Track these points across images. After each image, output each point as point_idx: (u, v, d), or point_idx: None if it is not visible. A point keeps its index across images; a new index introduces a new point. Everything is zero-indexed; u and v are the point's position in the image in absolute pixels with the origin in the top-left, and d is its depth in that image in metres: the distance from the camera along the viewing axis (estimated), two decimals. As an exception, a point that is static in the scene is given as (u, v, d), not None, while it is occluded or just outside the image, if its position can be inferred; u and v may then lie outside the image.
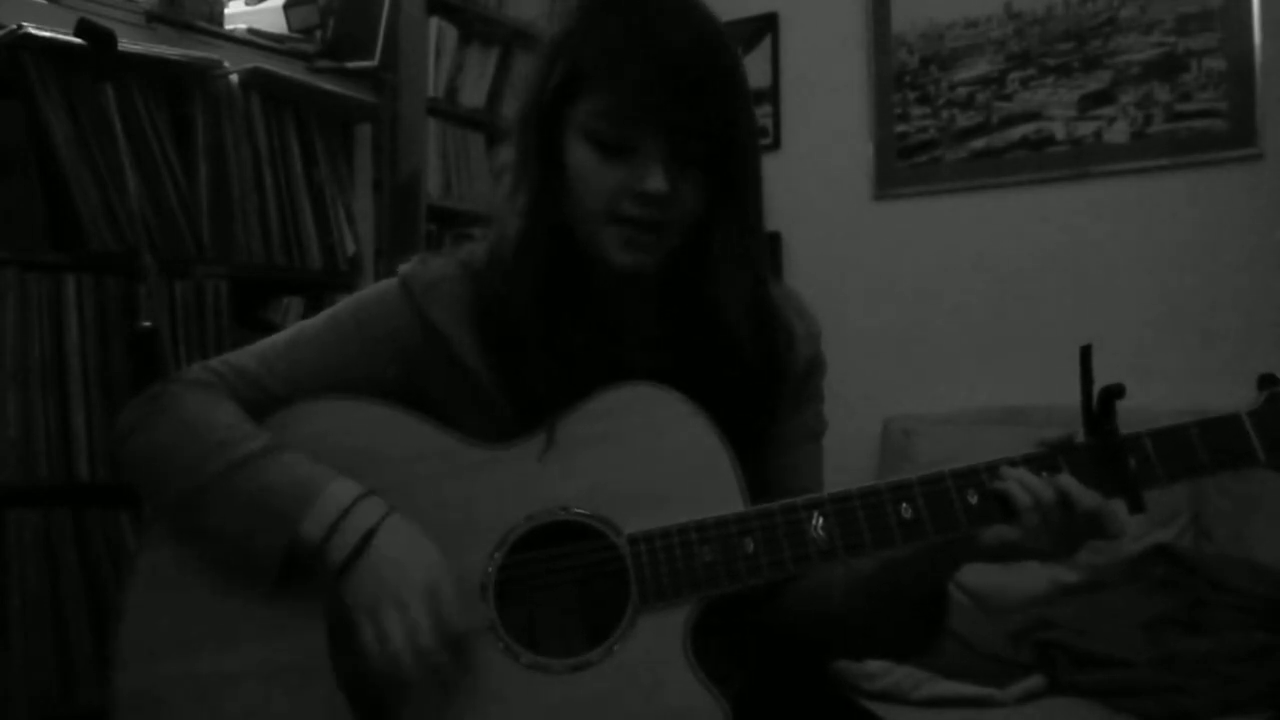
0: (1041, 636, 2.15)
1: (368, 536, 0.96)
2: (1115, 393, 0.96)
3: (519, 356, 1.06)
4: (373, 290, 1.15)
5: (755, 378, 1.09)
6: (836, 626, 1.11)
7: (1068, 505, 0.94)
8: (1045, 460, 0.98)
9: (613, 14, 1.03)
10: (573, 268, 1.07)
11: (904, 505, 0.98)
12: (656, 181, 1.00)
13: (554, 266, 1.06)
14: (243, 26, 2.38)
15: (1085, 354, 0.98)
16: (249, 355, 1.11)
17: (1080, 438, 0.99)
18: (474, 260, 1.11)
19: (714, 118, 1.01)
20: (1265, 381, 0.99)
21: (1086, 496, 0.94)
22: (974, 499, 0.98)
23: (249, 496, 0.99)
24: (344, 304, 1.15)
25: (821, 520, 0.98)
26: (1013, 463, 0.98)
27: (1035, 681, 2.07)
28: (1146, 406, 2.11)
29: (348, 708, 0.99)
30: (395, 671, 0.94)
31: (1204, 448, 0.97)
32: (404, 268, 1.13)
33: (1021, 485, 0.95)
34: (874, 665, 2.11)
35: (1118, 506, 0.96)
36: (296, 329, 1.14)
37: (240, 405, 1.07)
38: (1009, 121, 2.92)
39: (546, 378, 1.04)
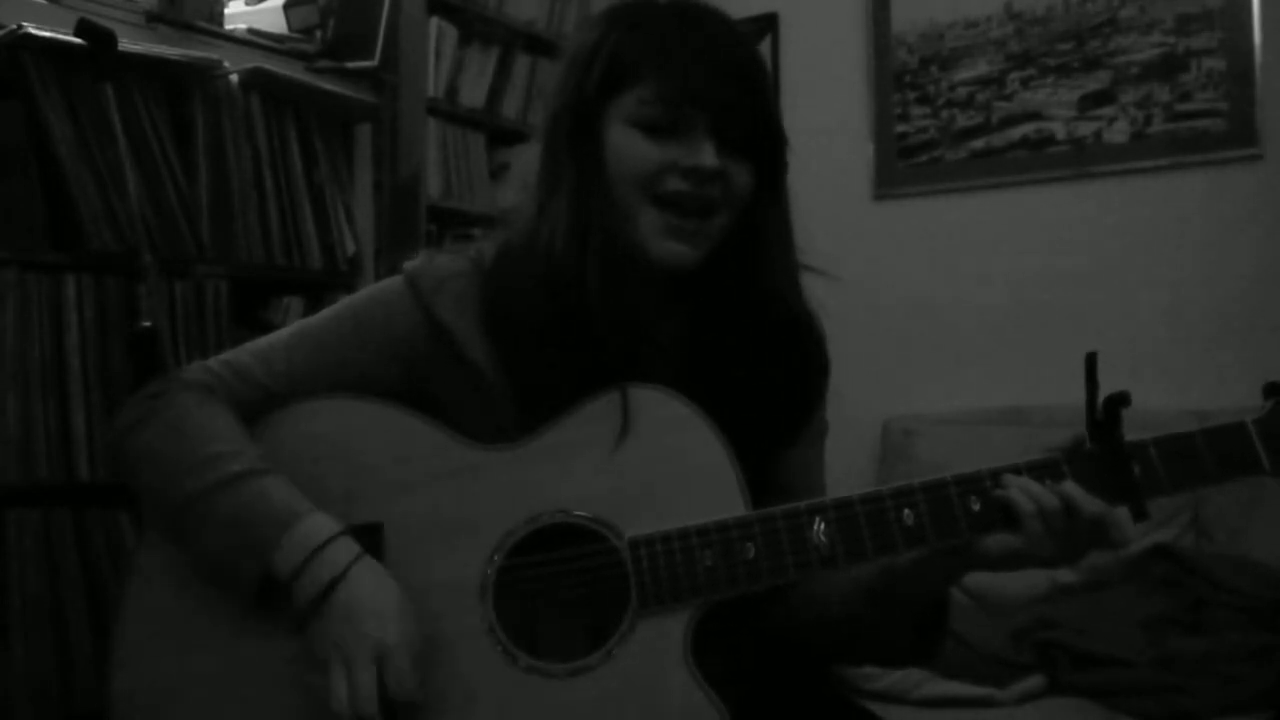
0: (1041, 636, 2.15)
1: (331, 584, 0.95)
2: (1121, 400, 0.96)
3: (532, 357, 1.05)
4: (376, 288, 1.14)
5: (799, 374, 1.11)
6: (835, 632, 1.11)
7: (1071, 513, 0.94)
8: (1049, 468, 0.97)
9: (655, 12, 1.07)
10: (606, 260, 1.06)
11: (906, 511, 0.97)
12: (708, 156, 1.02)
13: (609, 256, 1.05)
14: (243, 26, 2.38)
15: (1090, 361, 0.97)
16: (249, 354, 1.11)
17: (1086, 444, 0.98)
18: (483, 259, 1.11)
19: (760, 104, 1.05)
20: (1271, 390, 0.99)
21: (1090, 503, 0.94)
22: (976, 506, 0.97)
23: (229, 519, 0.98)
24: (346, 302, 1.14)
25: (823, 526, 0.98)
26: (1016, 470, 0.98)
27: (1035, 681, 2.07)
28: (1145, 407, 2.11)
29: None
30: None
31: (1209, 456, 0.97)
32: (409, 265, 1.12)
33: (1024, 493, 0.95)
34: (868, 668, 2.11)
35: (1121, 515, 0.95)
36: (297, 327, 1.13)
37: (239, 407, 1.06)
38: (1009, 121, 2.92)
39: (562, 380, 1.04)
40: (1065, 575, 2.37)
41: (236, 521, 0.97)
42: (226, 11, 2.37)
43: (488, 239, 1.14)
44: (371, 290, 1.14)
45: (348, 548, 0.97)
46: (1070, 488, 0.95)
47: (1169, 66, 2.72)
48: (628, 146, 1.04)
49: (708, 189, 1.04)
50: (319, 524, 0.97)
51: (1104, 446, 0.97)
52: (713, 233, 1.07)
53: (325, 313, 1.14)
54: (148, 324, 1.84)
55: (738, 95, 1.03)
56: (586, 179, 1.06)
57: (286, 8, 2.46)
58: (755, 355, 1.08)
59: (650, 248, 1.05)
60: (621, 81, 1.05)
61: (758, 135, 1.06)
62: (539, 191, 1.10)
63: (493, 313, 1.07)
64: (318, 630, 0.95)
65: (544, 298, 1.06)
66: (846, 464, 2.17)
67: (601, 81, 1.05)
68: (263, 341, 1.12)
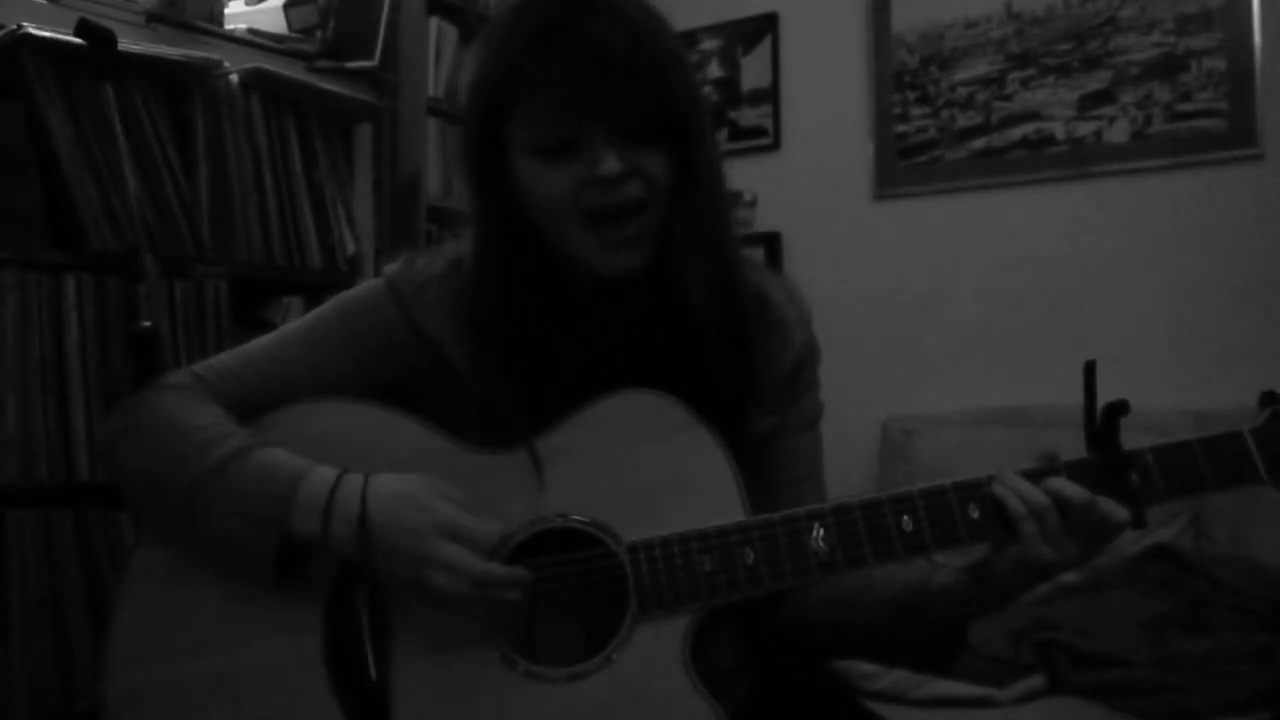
0: (1041, 636, 2.15)
1: (361, 519, 0.96)
2: (1119, 409, 0.96)
3: (504, 364, 1.05)
4: (358, 293, 1.14)
5: (726, 368, 1.06)
6: (853, 635, 1.12)
7: (1061, 507, 0.94)
8: (1046, 474, 0.97)
9: (518, 26, 1.01)
10: (545, 280, 1.05)
11: (905, 518, 0.98)
12: (609, 164, 0.97)
13: (516, 290, 1.05)
14: (243, 26, 2.38)
15: (1089, 369, 0.97)
16: (235, 359, 1.11)
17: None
18: (461, 261, 1.10)
19: (648, 88, 0.98)
20: (1267, 399, 0.99)
21: (1075, 490, 0.94)
22: (975, 513, 0.97)
23: (235, 497, 0.98)
24: (329, 306, 1.13)
25: (822, 531, 0.98)
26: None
27: (1035, 681, 2.07)
28: (1144, 407, 2.11)
29: (338, 709, 0.98)
30: (476, 612, 0.95)
31: (1207, 465, 0.97)
32: (390, 269, 1.12)
33: (1015, 494, 0.95)
34: (874, 665, 2.11)
35: (1108, 502, 0.95)
36: (281, 333, 1.13)
37: (225, 409, 1.06)
38: (1009, 121, 2.92)
39: (531, 390, 1.04)
40: (1066, 575, 2.37)
41: (244, 498, 0.98)
42: (226, 11, 2.37)
43: (466, 238, 1.12)
44: (354, 295, 1.14)
45: (353, 482, 0.98)
46: (1056, 481, 0.95)
47: (1169, 66, 2.72)
48: (535, 178, 1.00)
49: (626, 192, 0.99)
50: (321, 476, 0.99)
51: (1102, 454, 0.97)
52: (650, 229, 1.02)
53: (309, 317, 1.14)
54: (148, 324, 1.83)
55: (618, 92, 0.96)
56: (492, 216, 1.05)
57: (286, 8, 2.47)
58: (687, 353, 1.05)
59: (597, 266, 1.02)
60: (506, 111, 1.00)
61: (659, 119, 0.99)
62: (469, 220, 1.09)
63: (469, 319, 1.07)
64: (383, 565, 0.96)
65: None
66: (846, 464, 2.17)
67: (489, 113, 1.02)
68: (247, 347, 1.12)
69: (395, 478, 0.99)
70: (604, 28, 0.97)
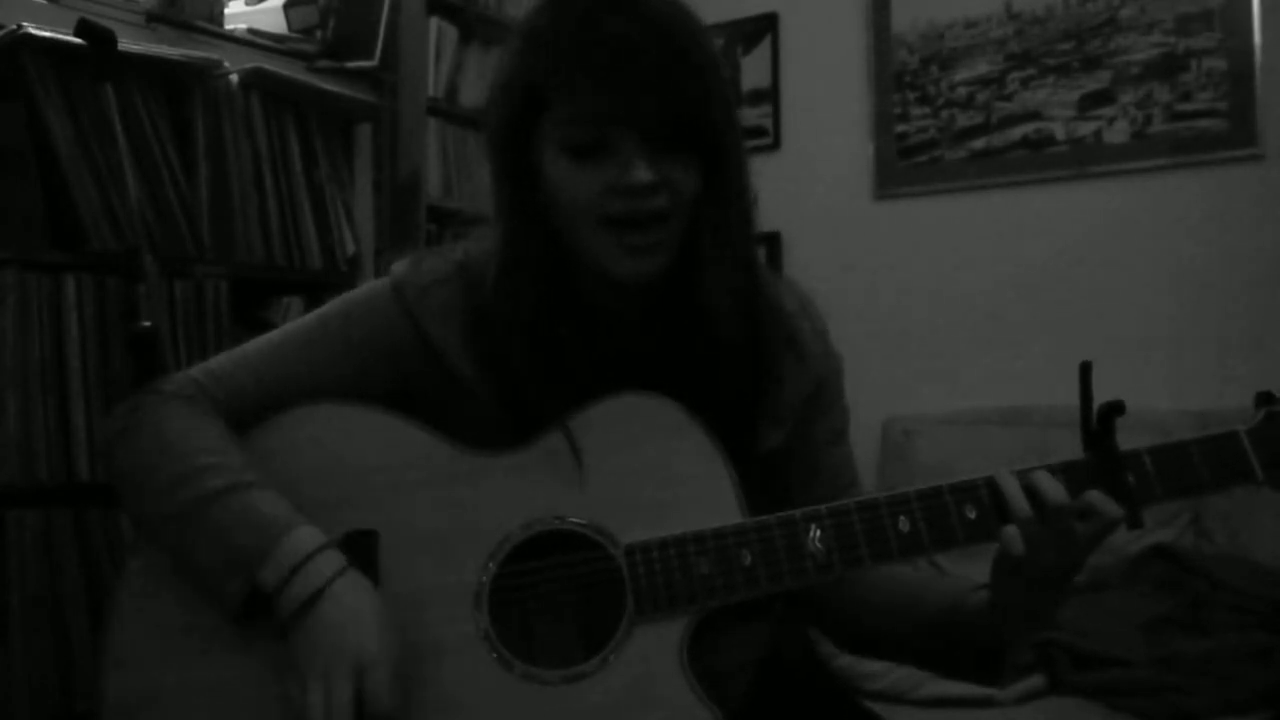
0: (1041, 636, 2.15)
1: (315, 596, 0.93)
2: (1115, 409, 0.95)
3: (511, 369, 1.04)
4: (363, 293, 1.12)
5: (738, 377, 1.05)
6: (897, 645, 1.12)
7: (1040, 507, 0.93)
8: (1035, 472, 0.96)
9: (556, 23, 0.99)
10: (563, 284, 1.04)
11: (902, 519, 0.97)
12: (640, 172, 0.96)
13: (539, 289, 1.03)
14: (243, 26, 2.38)
15: (1085, 370, 0.97)
16: (234, 361, 1.09)
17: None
18: (471, 263, 1.09)
19: (684, 98, 0.96)
20: (1262, 399, 0.99)
21: (1058, 492, 0.93)
22: (972, 514, 0.97)
23: (217, 533, 0.96)
24: (332, 307, 1.12)
25: (819, 533, 0.98)
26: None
27: (1035, 681, 2.07)
28: (1145, 407, 2.11)
29: None
30: None
31: (1203, 465, 0.97)
32: (397, 269, 1.11)
33: (1012, 537, 0.94)
34: (874, 665, 2.11)
35: (1096, 496, 0.94)
36: (283, 333, 1.11)
37: (224, 416, 1.05)
38: (1009, 121, 2.92)
39: (540, 392, 1.03)
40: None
41: (223, 537, 0.96)
42: (226, 11, 2.37)
43: (474, 238, 1.11)
44: (358, 295, 1.12)
45: (333, 560, 0.95)
46: (1039, 477, 0.94)
47: (1169, 66, 2.72)
48: (563, 177, 0.99)
49: (651, 202, 0.97)
50: (305, 536, 0.96)
51: (1098, 455, 0.97)
52: (672, 238, 1.01)
53: (311, 317, 1.12)
54: (148, 324, 1.83)
55: (654, 100, 0.95)
56: (518, 213, 1.03)
57: (286, 8, 2.47)
58: (699, 360, 1.04)
59: (612, 270, 1.00)
60: (538, 107, 0.99)
61: (692, 130, 0.97)
62: (493, 217, 1.07)
63: (475, 324, 1.06)
64: (299, 640, 0.93)
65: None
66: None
67: (520, 110, 1.00)
68: (247, 348, 1.10)
69: (368, 591, 0.96)
70: (643, 31, 0.96)
